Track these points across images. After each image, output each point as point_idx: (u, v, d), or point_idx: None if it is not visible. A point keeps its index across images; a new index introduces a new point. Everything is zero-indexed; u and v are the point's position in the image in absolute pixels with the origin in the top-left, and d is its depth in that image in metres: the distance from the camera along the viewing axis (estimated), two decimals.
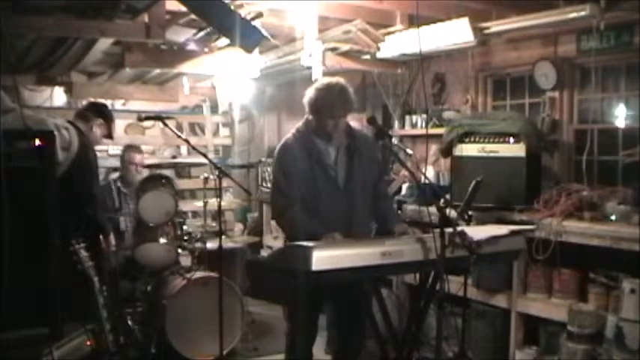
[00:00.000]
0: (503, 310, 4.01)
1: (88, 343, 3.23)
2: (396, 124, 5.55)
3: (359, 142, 3.19)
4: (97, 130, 3.95)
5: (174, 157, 6.43)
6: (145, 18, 4.02)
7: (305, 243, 2.61)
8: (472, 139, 4.17)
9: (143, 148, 5.73)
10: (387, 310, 3.13)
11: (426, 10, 4.20)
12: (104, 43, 4.45)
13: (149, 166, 5.01)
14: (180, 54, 5.05)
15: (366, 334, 3.49)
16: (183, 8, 3.64)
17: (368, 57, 5.15)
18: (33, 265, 2.00)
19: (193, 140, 6.00)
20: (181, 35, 4.77)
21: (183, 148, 7.86)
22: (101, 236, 4.01)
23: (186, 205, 5.99)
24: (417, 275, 3.23)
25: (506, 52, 4.63)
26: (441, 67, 5.18)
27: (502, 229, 3.11)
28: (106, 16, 3.93)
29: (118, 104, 7.23)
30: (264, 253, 6.59)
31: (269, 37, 3.91)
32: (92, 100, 5.35)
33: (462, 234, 2.66)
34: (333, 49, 4.90)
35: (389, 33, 4.77)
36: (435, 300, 2.81)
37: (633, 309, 3.19)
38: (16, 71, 5.38)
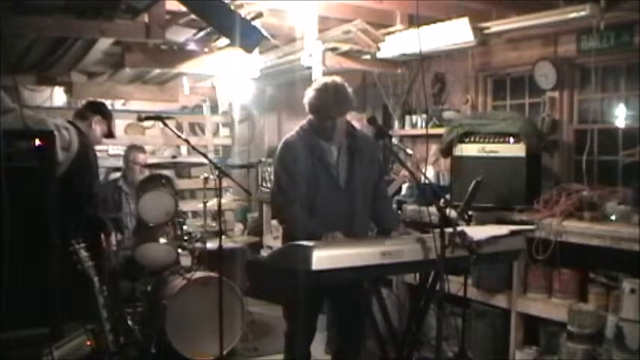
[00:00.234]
0: (503, 310, 4.01)
1: (88, 343, 3.22)
2: (396, 124, 5.55)
3: (360, 142, 3.20)
4: (97, 128, 3.96)
5: (174, 157, 6.43)
6: (145, 18, 4.02)
7: (305, 243, 2.61)
8: (472, 139, 4.17)
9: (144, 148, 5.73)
10: (387, 310, 3.13)
11: (426, 10, 4.20)
12: (104, 43, 4.45)
13: (149, 166, 5.01)
14: (180, 54, 5.05)
15: (366, 334, 3.49)
16: (183, 8, 3.64)
17: (368, 57, 5.15)
18: (33, 265, 1.99)
19: (193, 140, 6.00)
20: (181, 35, 4.77)
21: (183, 148, 7.86)
22: (102, 235, 4.02)
23: (186, 205, 5.99)
24: (417, 275, 3.23)
25: (506, 52, 4.63)
26: (441, 67, 5.18)
27: (502, 229, 3.11)
28: (106, 16, 3.93)
29: (118, 104, 7.23)
30: (264, 253, 6.59)
31: (269, 37, 3.91)
32: (91, 99, 5.35)
33: (462, 234, 2.66)
34: (333, 49, 4.90)
35: (389, 33, 4.77)
36: (435, 300, 2.81)
37: (633, 309, 3.18)
38: (16, 71, 5.38)
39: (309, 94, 3.12)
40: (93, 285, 3.22)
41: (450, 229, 2.63)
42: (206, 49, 5.06)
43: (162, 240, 4.58)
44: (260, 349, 4.64)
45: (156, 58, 4.92)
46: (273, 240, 6.65)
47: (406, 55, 4.87)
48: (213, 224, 4.95)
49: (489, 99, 4.95)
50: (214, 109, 7.26)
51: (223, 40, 4.73)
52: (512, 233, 3.12)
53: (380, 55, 4.95)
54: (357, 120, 3.76)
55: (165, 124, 3.80)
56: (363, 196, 3.20)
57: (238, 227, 7.24)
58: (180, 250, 4.71)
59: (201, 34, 4.74)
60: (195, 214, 6.47)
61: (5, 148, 1.85)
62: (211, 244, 4.59)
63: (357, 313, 3.25)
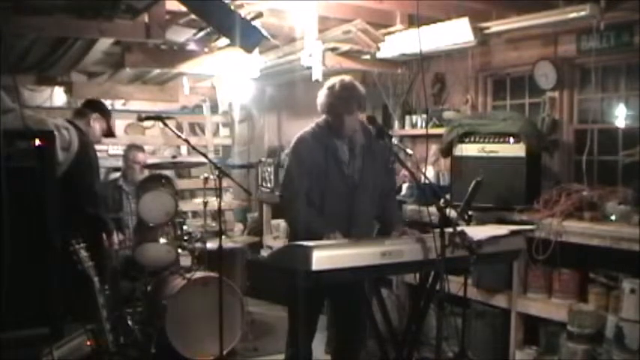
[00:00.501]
0: (503, 310, 4.01)
1: (88, 343, 3.23)
2: (396, 124, 5.55)
3: (374, 142, 3.20)
4: (96, 126, 3.96)
5: (174, 157, 6.42)
6: (145, 18, 4.02)
7: (305, 243, 2.61)
8: (472, 139, 4.18)
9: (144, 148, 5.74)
10: (387, 310, 3.13)
11: (426, 10, 4.20)
12: (104, 43, 4.45)
13: (149, 166, 5.01)
14: (180, 54, 5.05)
15: (366, 334, 3.49)
16: (183, 8, 3.64)
17: (368, 57, 5.15)
18: (33, 265, 2.00)
19: (193, 140, 6.00)
20: (181, 35, 4.76)
21: (183, 148, 7.86)
22: (104, 235, 4.02)
23: (186, 205, 5.99)
24: (417, 275, 3.23)
25: (506, 52, 4.63)
26: (441, 67, 5.18)
27: (502, 229, 3.11)
28: (106, 16, 3.93)
29: (118, 104, 7.23)
30: (264, 253, 6.59)
31: (269, 37, 3.91)
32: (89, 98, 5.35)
33: (462, 234, 2.66)
34: (333, 49, 4.90)
35: (389, 33, 4.76)
36: (435, 300, 2.81)
37: (633, 309, 3.18)
38: (16, 71, 5.38)
39: (320, 93, 3.17)
40: (93, 285, 3.22)
41: (450, 229, 2.64)
42: (206, 49, 5.06)
43: (162, 240, 4.58)
44: (260, 349, 4.64)
45: (156, 58, 4.91)
46: (273, 240, 6.65)
47: (406, 55, 4.87)
48: (213, 224, 4.95)
49: (489, 99, 4.95)
50: (214, 109, 7.26)
51: (223, 40, 4.73)
52: (512, 233, 3.12)
53: (380, 55, 4.95)
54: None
55: (165, 124, 3.80)
56: (371, 197, 3.22)
57: (238, 227, 7.24)
58: (180, 250, 4.71)
59: (201, 34, 4.73)
60: (195, 214, 6.47)
61: (5, 148, 1.85)
62: (211, 244, 4.59)
63: (357, 313, 3.25)
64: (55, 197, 2.08)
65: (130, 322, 4.46)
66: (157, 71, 5.69)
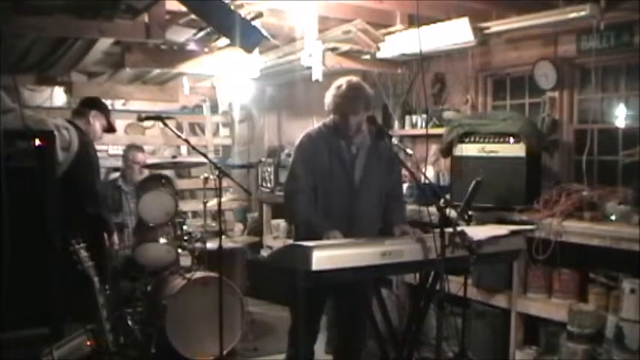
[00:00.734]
0: (503, 310, 4.01)
1: (88, 343, 3.23)
2: (396, 124, 5.55)
3: (382, 144, 3.21)
4: (95, 123, 3.96)
5: (174, 157, 6.42)
6: (145, 18, 4.02)
7: (305, 243, 2.61)
8: (472, 139, 4.18)
9: (144, 148, 5.73)
10: (387, 310, 3.13)
11: (426, 10, 4.19)
12: (104, 43, 4.45)
13: (149, 166, 5.01)
14: (181, 54, 5.05)
15: (366, 334, 3.49)
16: (183, 8, 3.64)
17: (368, 57, 5.15)
18: (33, 265, 2.00)
19: (193, 140, 6.00)
20: (181, 35, 4.76)
21: (183, 148, 7.86)
22: (105, 234, 4.03)
23: (186, 205, 5.99)
24: (417, 275, 3.23)
25: (506, 52, 4.63)
26: (441, 67, 5.18)
27: (502, 229, 3.12)
28: (105, 16, 3.93)
29: (118, 104, 7.23)
30: (264, 253, 6.59)
31: (269, 37, 3.91)
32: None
33: (462, 234, 2.66)
34: (333, 49, 4.90)
35: (389, 33, 4.76)
36: (435, 300, 2.81)
37: (633, 309, 3.18)
38: (16, 71, 5.38)
39: (327, 94, 3.19)
40: (93, 285, 3.22)
41: (450, 229, 2.64)
42: (206, 49, 5.06)
43: (163, 240, 4.58)
44: (260, 349, 4.64)
45: (156, 58, 4.92)
46: (273, 240, 6.65)
47: (406, 55, 4.87)
48: (213, 224, 4.95)
49: (489, 99, 4.95)
50: (214, 109, 7.26)
51: (223, 40, 4.73)
52: (512, 233, 3.12)
53: (380, 55, 4.95)
54: None
55: (165, 124, 3.80)
56: (374, 197, 3.23)
57: (238, 227, 7.24)
58: (180, 250, 4.71)
59: (201, 34, 4.73)
60: (195, 214, 6.47)
61: (5, 148, 1.85)
62: (211, 244, 4.59)
63: (358, 313, 3.25)
64: (55, 197, 2.08)
65: (130, 322, 4.46)
66: (157, 71, 5.69)
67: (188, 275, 4.31)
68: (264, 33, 3.63)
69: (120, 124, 7.43)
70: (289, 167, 3.31)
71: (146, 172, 5.07)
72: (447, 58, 5.04)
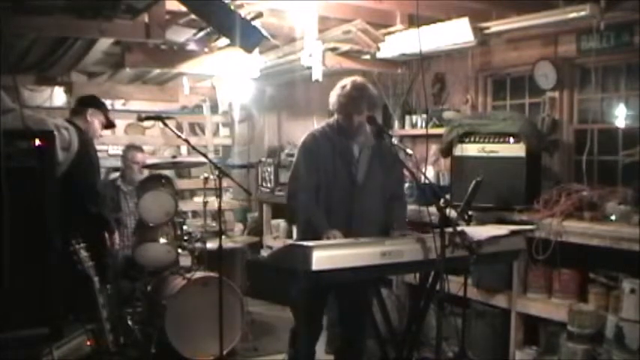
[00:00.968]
0: (503, 310, 4.01)
1: (88, 343, 3.23)
2: (396, 124, 5.55)
3: (384, 144, 3.21)
4: (94, 120, 3.96)
5: (174, 157, 6.42)
6: (145, 18, 4.02)
7: (305, 243, 2.61)
8: (472, 139, 4.18)
9: (143, 148, 5.73)
10: (387, 310, 3.13)
11: (426, 10, 4.19)
12: (104, 43, 4.45)
13: (149, 166, 5.01)
14: (181, 54, 5.05)
15: (366, 334, 3.50)
16: (183, 8, 3.64)
17: (368, 57, 5.15)
18: (33, 265, 1.99)
19: (193, 140, 5.99)
20: (181, 35, 4.76)
21: (183, 148, 7.85)
22: (106, 234, 4.03)
23: (186, 205, 5.99)
24: (417, 275, 3.23)
25: (506, 52, 4.63)
26: (441, 67, 5.18)
27: (502, 229, 3.12)
28: (105, 16, 3.93)
29: (118, 104, 7.22)
30: (264, 253, 6.59)
31: (269, 37, 3.91)
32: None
33: (462, 234, 2.66)
34: (333, 49, 4.90)
35: (389, 33, 4.76)
36: (435, 300, 2.81)
37: (633, 309, 3.18)
38: (16, 71, 5.37)
39: (332, 93, 3.21)
40: (93, 285, 3.22)
41: (450, 229, 2.64)
42: (206, 49, 5.06)
43: (162, 240, 4.58)
44: (260, 349, 4.64)
45: (156, 58, 4.92)
46: (273, 240, 6.65)
47: (406, 55, 4.87)
48: (213, 224, 4.95)
49: (489, 99, 4.94)
50: (214, 109, 7.26)
51: (223, 40, 4.73)
52: (512, 233, 3.12)
53: (380, 55, 4.95)
54: None
55: (165, 124, 3.80)
56: (376, 197, 3.23)
57: (238, 227, 7.24)
58: (180, 250, 4.71)
59: (201, 34, 4.73)
60: (195, 214, 6.47)
61: (5, 148, 1.85)
62: (211, 244, 4.59)
63: (360, 313, 3.25)
64: (55, 197, 2.08)
65: (130, 322, 4.47)
66: (157, 71, 5.68)
67: (188, 275, 4.31)
68: (264, 33, 3.63)
69: (120, 124, 7.43)
70: (292, 166, 3.33)
71: (146, 172, 5.07)
72: (447, 58, 5.04)
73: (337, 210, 3.14)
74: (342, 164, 3.17)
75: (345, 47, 4.86)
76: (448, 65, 5.12)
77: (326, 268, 2.48)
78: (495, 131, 4.07)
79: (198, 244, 4.70)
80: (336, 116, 3.24)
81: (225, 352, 3.90)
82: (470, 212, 3.75)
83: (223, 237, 4.15)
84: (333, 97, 3.19)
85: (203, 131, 7.64)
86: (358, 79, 3.23)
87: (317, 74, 4.56)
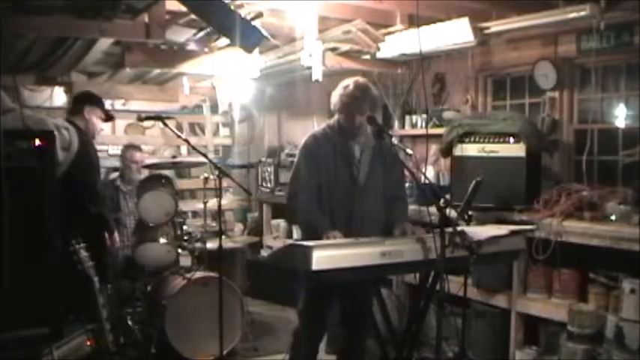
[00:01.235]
0: (503, 310, 4.01)
1: (88, 343, 3.23)
2: (396, 124, 5.55)
3: (384, 145, 3.21)
4: (92, 117, 3.95)
5: (174, 157, 6.42)
6: (145, 18, 4.02)
7: (305, 243, 2.61)
8: (472, 139, 4.18)
9: (143, 148, 5.73)
10: (387, 310, 3.13)
11: (426, 10, 4.19)
12: (104, 43, 4.45)
13: (149, 166, 5.00)
14: (181, 54, 5.05)
15: (367, 334, 3.50)
16: (183, 8, 3.64)
17: (368, 57, 5.15)
18: (33, 265, 1.99)
19: (193, 140, 5.99)
20: (181, 35, 4.76)
21: (183, 148, 7.85)
22: (106, 234, 4.03)
23: (186, 205, 5.99)
24: (417, 275, 3.23)
25: (506, 52, 4.63)
26: (441, 67, 5.18)
27: (502, 229, 3.12)
28: (105, 16, 3.93)
29: (118, 104, 7.23)
30: (264, 253, 6.59)
31: (269, 37, 3.91)
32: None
33: (462, 234, 2.66)
34: (333, 49, 4.90)
35: (389, 33, 4.76)
36: (435, 300, 2.81)
37: (633, 309, 3.18)
38: (16, 71, 5.37)
39: (333, 93, 3.20)
40: (93, 285, 3.22)
41: (450, 229, 2.63)
42: (206, 49, 5.06)
43: (162, 240, 4.58)
44: (260, 349, 4.64)
45: (156, 58, 4.92)
46: (273, 240, 6.65)
47: (406, 55, 4.87)
48: (213, 224, 4.95)
49: (489, 99, 4.95)
50: (214, 109, 7.26)
51: (223, 40, 4.73)
52: (512, 233, 3.12)
53: (380, 55, 4.95)
54: None
55: (165, 124, 3.80)
56: (378, 197, 3.23)
57: (238, 227, 7.24)
58: (180, 250, 4.71)
59: (201, 34, 4.73)
60: (195, 214, 6.47)
61: (5, 148, 1.85)
62: (211, 244, 4.59)
63: (361, 313, 3.25)
64: (55, 197, 2.07)
65: (130, 322, 4.47)
66: (157, 71, 5.68)
67: (188, 275, 4.31)
68: (264, 33, 3.63)
69: (120, 124, 7.44)
70: (293, 167, 3.32)
71: (145, 172, 5.07)
72: (447, 58, 5.04)
73: (338, 210, 3.14)
74: (343, 165, 3.17)
75: (345, 47, 4.86)
76: (448, 65, 5.12)
77: (326, 268, 2.48)
78: (495, 131, 4.07)
79: (198, 244, 4.70)
80: (336, 117, 3.24)
81: (225, 352, 3.90)
82: (470, 212, 3.75)
83: (223, 237, 4.15)
84: (336, 97, 3.18)
85: (203, 131, 7.64)
86: (361, 79, 3.23)
87: (317, 74, 4.55)
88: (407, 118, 5.45)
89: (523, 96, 4.68)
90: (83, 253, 3.18)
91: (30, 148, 1.99)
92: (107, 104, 4.87)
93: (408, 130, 5.42)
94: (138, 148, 5.26)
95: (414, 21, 4.44)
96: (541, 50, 4.35)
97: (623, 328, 3.22)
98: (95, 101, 4.04)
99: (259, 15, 4.13)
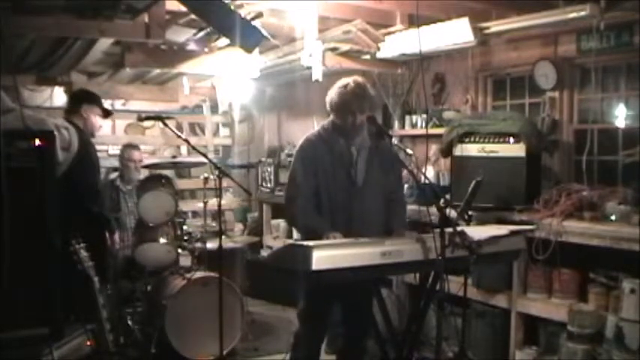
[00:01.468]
0: (503, 310, 4.01)
1: (88, 343, 3.22)
2: (396, 124, 5.55)
3: (382, 144, 3.20)
4: (90, 116, 3.94)
5: (174, 157, 6.42)
6: (145, 18, 4.02)
7: (305, 243, 2.61)
8: (472, 139, 4.18)
9: (143, 148, 5.73)
10: (387, 310, 3.13)
11: (426, 10, 4.20)
12: (104, 43, 4.45)
13: (149, 166, 5.00)
14: (181, 54, 5.05)
15: (368, 334, 3.50)
16: (183, 8, 3.64)
17: (368, 57, 5.15)
18: (33, 265, 1.99)
19: (193, 140, 6.00)
20: (181, 35, 4.76)
21: (183, 148, 7.86)
22: (107, 233, 4.03)
23: (186, 205, 5.99)
24: (417, 275, 3.23)
25: (506, 52, 4.63)
26: (441, 67, 5.18)
27: (502, 229, 3.11)
28: (105, 16, 3.93)
29: (118, 104, 7.23)
30: (264, 253, 6.59)
31: (269, 37, 3.91)
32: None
33: (462, 234, 2.66)
34: (333, 49, 4.90)
35: (389, 33, 4.77)
36: (435, 300, 2.81)
37: (633, 309, 3.18)
38: (16, 71, 5.37)
39: (330, 93, 3.17)
40: (93, 285, 3.22)
41: (450, 229, 2.63)
42: (206, 49, 5.06)
43: (162, 240, 4.58)
44: (260, 349, 4.64)
45: (156, 58, 4.92)
46: (273, 240, 6.65)
47: (406, 55, 4.87)
48: (213, 224, 4.95)
49: (489, 99, 4.95)
50: (214, 109, 7.26)
51: (223, 40, 4.73)
52: (512, 233, 3.12)
53: (380, 55, 4.95)
54: None
55: (165, 124, 3.80)
56: (376, 198, 3.21)
57: (238, 227, 7.24)
58: (180, 250, 4.71)
59: (201, 34, 4.74)
60: (195, 214, 6.47)
61: (5, 148, 1.85)
62: (211, 244, 4.59)
63: (362, 314, 3.25)
64: (55, 197, 2.07)
65: (130, 322, 4.47)
66: (157, 71, 5.69)
67: (188, 275, 4.31)
68: (264, 33, 3.63)
69: (120, 124, 7.45)
70: (289, 173, 3.30)
71: (144, 171, 5.07)
72: (447, 58, 5.04)
73: (337, 212, 3.12)
74: (340, 166, 3.15)
75: (345, 47, 4.87)
76: (448, 65, 5.12)
77: (326, 268, 2.47)
78: (495, 131, 4.07)
79: (198, 244, 4.70)
80: (331, 118, 3.21)
81: (225, 352, 3.90)
82: (470, 212, 3.75)
83: (223, 237, 4.15)
84: (335, 97, 3.14)
85: (203, 131, 7.64)
86: (359, 78, 3.20)
87: (317, 74, 4.55)
88: (407, 118, 5.45)
89: (523, 96, 4.68)
90: (83, 253, 3.18)
91: (30, 148, 1.99)
92: (107, 104, 4.88)
93: (408, 130, 5.42)
94: (136, 146, 5.25)
95: (414, 21, 4.44)
96: (541, 50, 4.35)
97: (623, 328, 3.21)
98: (92, 99, 4.02)
99: (259, 15, 4.13)
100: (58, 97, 6.77)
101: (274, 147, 7.38)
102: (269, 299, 5.71)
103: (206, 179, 4.60)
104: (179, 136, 4.10)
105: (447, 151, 4.36)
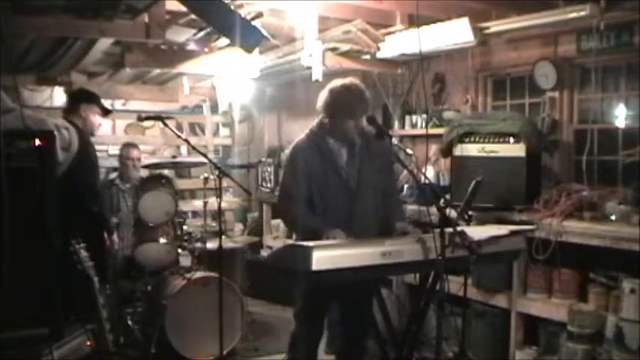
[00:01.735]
0: (503, 310, 4.01)
1: (88, 343, 3.22)
2: (396, 124, 5.55)
3: (372, 144, 3.19)
4: (89, 115, 3.94)
5: (174, 157, 6.43)
6: (145, 18, 4.02)
7: (305, 243, 2.61)
8: (472, 139, 4.18)
9: (143, 148, 5.74)
10: (387, 310, 3.13)
11: (426, 10, 4.20)
12: (104, 43, 4.45)
13: (149, 166, 5.00)
14: (181, 54, 5.05)
15: (367, 334, 3.49)
16: (183, 8, 3.64)
17: (368, 57, 5.15)
18: (33, 265, 1.99)
19: (193, 140, 6.00)
20: (181, 35, 4.77)
21: (183, 148, 7.87)
22: (106, 233, 4.03)
23: (186, 205, 6.00)
24: (417, 275, 3.22)
25: (506, 52, 4.63)
26: (441, 67, 5.18)
27: (502, 229, 3.11)
28: (105, 16, 3.93)
29: (118, 104, 7.23)
30: (264, 253, 6.59)
31: (269, 37, 3.91)
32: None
33: (462, 234, 2.66)
34: (333, 49, 4.90)
35: (389, 33, 4.77)
36: (435, 300, 2.81)
37: (633, 309, 3.18)
38: (16, 71, 5.37)
39: (324, 94, 3.13)
40: (93, 285, 3.22)
41: (450, 229, 2.63)
42: (206, 49, 5.06)
43: (162, 240, 4.58)
44: (260, 349, 4.64)
45: (156, 58, 4.92)
46: (273, 240, 6.65)
47: (406, 55, 4.87)
48: (213, 224, 4.95)
49: (489, 99, 4.95)
50: (214, 109, 7.26)
51: (223, 40, 4.73)
52: (512, 233, 3.12)
53: (380, 55, 4.95)
54: None
55: (165, 124, 3.80)
56: (371, 199, 3.19)
57: (238, 227, 7.25)
58: (180, 250, 4.71)
59: (201, 34, 4.74)
60: (195, 214, 6.47)
61: (5, 148, 1.85)
62: (211, 244, 4.59)
63: (361, 314, 3.25)
64: (55, 197, 2.07)
65: (130, 322, 4.47)
66: (157, 71, 5.69)
67: (188, 275, 4.31)
68: (264, 33, 3.63)
69: (120, 124, 7.45)
70: (281, 180, 3.28)
71: (144, 171, 5.07)
72: (447, 58, 5.04)
73: (334, 214, 3.10)
74: (331, 168, 3.12)
75: (345, 47, 4.87)
76: (448, 65, 5.12)
77: (326, 268, 2.47)
78: (495, 131, 4.07)
79: (198, 244, 4.70)
80: (319, 119, 3.16)
81: (225, 352, 3.90)
82: (470, 212, 3.75)
83: (223, 237, 4.15)
84: (326, 99, 3.10)
85: (203, 131, 7.65)
86: (352, 80, 3.15)
87: (317, 74, 4.55)
88: (407, 118, 5.45)
89: (523, 96, 4.68)
90: (83, 253, 3.18)
91: (30, 148, 1.99)
92: (107, 104, 4.87)
93: (408, 130, 5.42)
94: (134, 145, 5.24)
95: (414, 21, 4.44)
96: (541, 50, 4.35)
97: (623, 328, 3.21)
98: (91, 98, 4.02)
99: (259, 15, 4.13)
100: (58, 97, 6.77)
101: (274, 147, 7.38)
102: (269, 299, 5.71)
103: (206, 179, 4.60)
104: (179, 136, 4.10)
105: (447, 151, 4.36)
